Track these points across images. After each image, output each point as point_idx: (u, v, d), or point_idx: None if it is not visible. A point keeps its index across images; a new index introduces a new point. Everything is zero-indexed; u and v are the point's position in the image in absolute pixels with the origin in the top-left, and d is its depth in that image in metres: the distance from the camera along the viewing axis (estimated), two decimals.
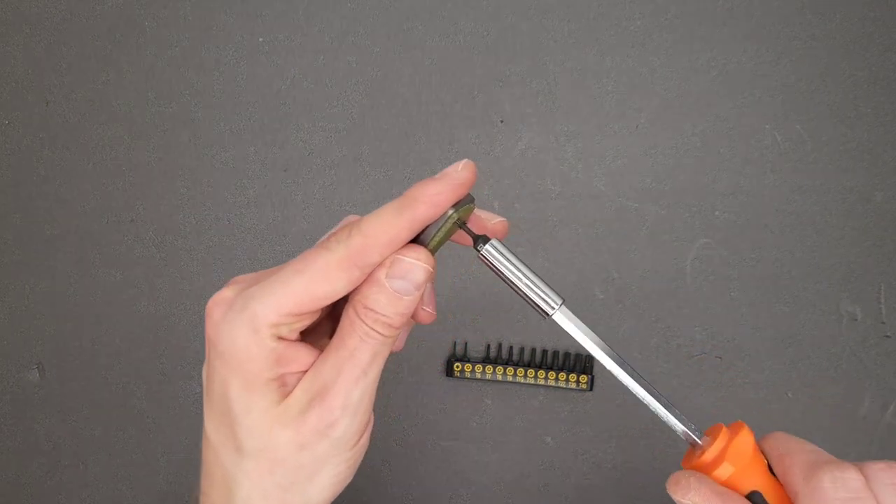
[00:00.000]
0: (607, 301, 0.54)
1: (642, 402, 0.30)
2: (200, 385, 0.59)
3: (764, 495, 0.29)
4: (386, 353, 0.29)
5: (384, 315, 0.27)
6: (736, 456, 0.28)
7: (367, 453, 0.51)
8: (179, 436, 0.56)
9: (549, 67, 0.55)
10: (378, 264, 0.27)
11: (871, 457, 0.52)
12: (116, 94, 0.57)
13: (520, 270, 0.30)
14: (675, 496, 0.30)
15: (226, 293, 0.29)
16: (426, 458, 0.55)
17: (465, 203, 0.28)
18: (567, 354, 0.54)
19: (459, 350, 0.55)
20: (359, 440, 0.29)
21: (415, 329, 0.55)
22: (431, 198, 0.27)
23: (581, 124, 0.55)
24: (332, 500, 0.30)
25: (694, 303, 0.53)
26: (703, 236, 0.53)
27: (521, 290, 0.30)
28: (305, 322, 0.28)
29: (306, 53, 0.56)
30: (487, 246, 0.30)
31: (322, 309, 0.28)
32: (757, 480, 0.29)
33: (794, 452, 0.29)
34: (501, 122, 0.55)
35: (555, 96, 0.55)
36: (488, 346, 0.54)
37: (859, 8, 0.54)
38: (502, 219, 0.31)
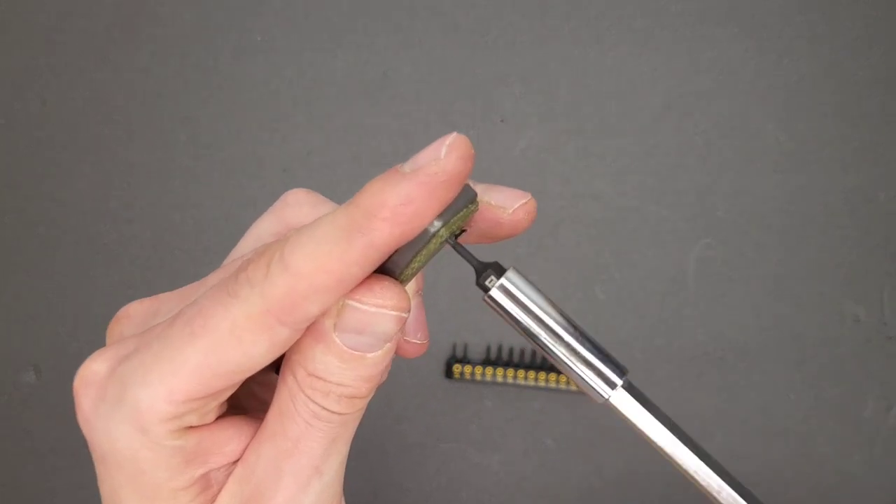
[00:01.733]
0: (608, 302, 0.54)
1: (702, 486, 0.22)
2: None
3: None
4: (349, 435, 0.19)
5: (340, 384, 0.18)
6: None
7: (365, 455, 0.50)
8: None
9: (549, 66, 0.55)
10: (314, 317, 0.17)
11: (874, 459, 0.52)
12: (114, 94, 0.57)
13: (554, 328, 0.19)
14: None
15: (95, 367, 0.19)
16: (426, 461, 0.54)
17: (459, 207, 0.18)
18: None
19: (459, 352, 0.54)
20: None
21: None
22: (396, 209, 0.16)
23: (582, 123, 0.54)
24: None
25: (696, 303, 0.53)
26: (705, 236, 0.53)
27: (562, 360, 0.20)
28: (221, 399, 0.19)
29: (305, 52, 0.56)
30: (500, 282, 0.19)
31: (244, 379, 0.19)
32: None
33: None
34: (502, 121, 0.55)
35: (556, 95, 0.55)
36: (488, 348, 0.54)
37: (862, 7, 0.54)
38: (525, 199, 0.21)
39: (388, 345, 0.18)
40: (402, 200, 0.16)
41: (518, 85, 0.55)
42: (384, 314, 0.18)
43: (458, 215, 0.18)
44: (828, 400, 0.53)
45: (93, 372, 0.19)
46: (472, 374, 0.53)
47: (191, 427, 0.18)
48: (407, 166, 0.17)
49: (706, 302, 0.53)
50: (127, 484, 0.19)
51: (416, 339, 0.23)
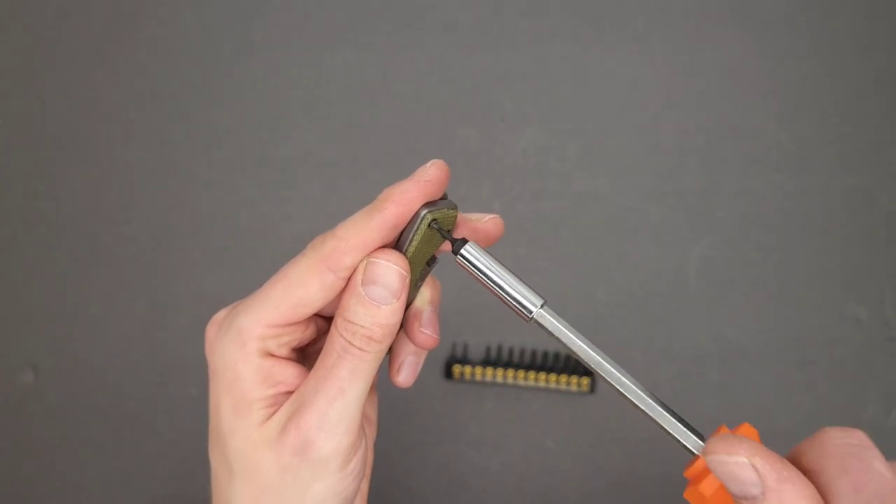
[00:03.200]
0: (609, 302, 0.53)
1: (638, 407, 0.28)
2: (195, 388, 0.59)
3: None
4: (368, 371, 0.27)
5: (362, 326, 0.27)
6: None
7: None
8: (175, 438, 0.56)
9: (550, 66, 0.55)
10: (352, 268, 0.27)
11: None
12: (112, 93, 0.57)
13: (497, 273, 0.28)
14: None
15: (220, 314, 0.30)
16: (425, 462, 0.54)
17: (442, 207, 0.27)
18: (568, 357, 0.53)
19: (459, 352, 0.54)
20: (344, 464, 0.27)
21: None
22: (398, 196, 0.26)
23: (583, 123, 0.54)
24: None
25: (697, 304, 0.53)
26: (707, 237, 0.53)
27: (499, 292, 0.28)
28: (294, 336, 0.28)
29: (304, 51, 0.56)
30: (463, 249, 0.27)
31: (313, 324, 0.29)
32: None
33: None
34: (502, 120, 0.55)
35: (556, 95, 0.54)
36: (488, 349, 0.54)
37: (865, 7, 0.53)
38: (494, 216, 0.29)
39: (396, 302, 0.27)
40: (401, 190, 0.26)
41: (518, 85, 0.55)
42: (391, 268, 0.27)
43: (442, 211, 0.27)
44: (829, 401, 0.52)
45: (218, 317, 0.30)
46: (472, 374, 0.53)
47: (272, 354, 0.28)
48: (409, 177, 0.27)
49: (707, 302, 0.53)
50: (225, 391, 0.28)
51: (427, 331, 0.30)
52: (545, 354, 0.54)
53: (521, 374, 0.52)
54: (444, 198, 0.28)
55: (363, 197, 0.56)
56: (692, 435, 0.27)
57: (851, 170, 0.53)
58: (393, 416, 0.54)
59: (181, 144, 0.56)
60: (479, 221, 0.29)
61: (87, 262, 0.56)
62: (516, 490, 0.54)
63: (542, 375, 0.52)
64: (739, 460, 0.23)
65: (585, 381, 0.52)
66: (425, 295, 0.31)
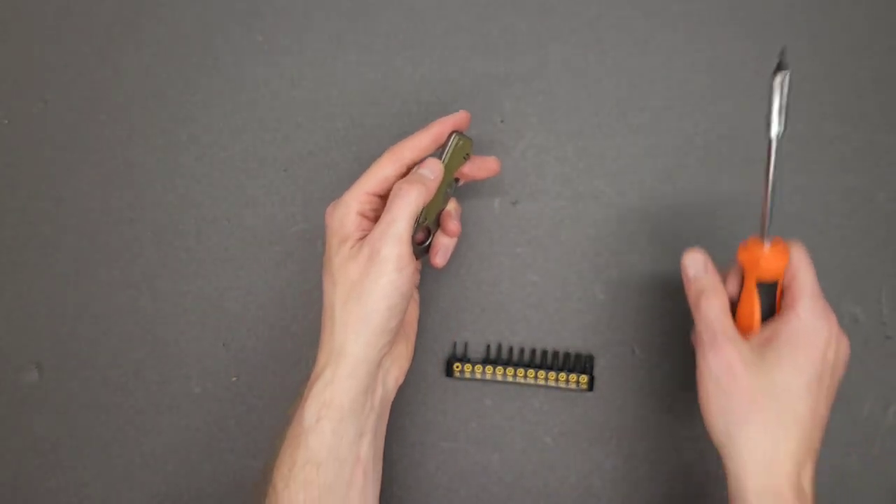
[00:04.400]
0: (608, 301, 0.54)
1: (767, 184, 0.41)
2: (199, 386, 0.60)
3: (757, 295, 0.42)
4: (411, 207, 0.42)
5: (409, 182, 0.43)
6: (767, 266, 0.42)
7: None
8: (178, 436, 0.56)
9: (549, 67, 0.55)
10: (410, 161, 0.45)
11: (872, 458, 0.52)
12: (115, 93, 0.57)
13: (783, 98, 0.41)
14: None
15: (334, 202, 0.45)
16: (426, 459, 0.54)
17: (465, 137, 0.46)
18: (567, 355, 0.54)
19: (459, 350, 0.54)
20: (398, 266, 0.41)
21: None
22: (440, 122, 0.46)
23: (582, 124, 0.54)
24: (388, 314, 0.42)
25: None
26: (705, 237, 0.53)
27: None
28: (377, 205, 0.45)
29: (306, 52, 0.56)
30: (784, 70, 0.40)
31: (383, 196, 0.45)
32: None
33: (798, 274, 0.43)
34: (501, 121, 0.55)
35: (555, 96, 0.55)
36: (488, 347, 0.54)
37: (862, 7, 0.54)
38: (494, 157, 0.49)
39: (433, 178, 0.45)
40: (440, 120, 0.46)
41: (518, 85, 0.55)
42: (434, 161, 0.46)
43: (465, 138, 0.47)
44: None
45: (332, 203, 0.46)
46: (472, 372, 0.53)
47: (363, 214, 0.44)
48: None
49: None
50: (335, 234, 0.44)
51: (455, 222, 0.47)
52: (545, 352, 0.54)
53: (520, 371, 0.53)
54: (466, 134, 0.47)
55: None
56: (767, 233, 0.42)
57: (849, 170, 0.53)
58: (394, 413, 0.55)
59: (184, 145, 0.57)
60: (484, 159, 0.49)
61: (91, 261, 0.57)
62: (516, 487, 0.54)
63: (542, 373, 0.53)
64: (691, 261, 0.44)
65: (584, 378, 0.53)
66: (452, 203, 0.48)
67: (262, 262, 0.56)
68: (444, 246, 0.47)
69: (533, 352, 0.54)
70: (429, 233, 0.47)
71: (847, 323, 0.53)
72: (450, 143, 0.46)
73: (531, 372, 0.53)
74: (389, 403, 0.46)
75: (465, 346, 0.54)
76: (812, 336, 0.40)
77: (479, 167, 0.48)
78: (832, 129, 0.53)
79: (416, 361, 0.55)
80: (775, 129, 0.39)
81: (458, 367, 0.53)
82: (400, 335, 0.47)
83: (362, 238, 0.43)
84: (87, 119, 0.57)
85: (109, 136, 0.57)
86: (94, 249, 0.57)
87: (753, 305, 0.42)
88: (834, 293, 0.53)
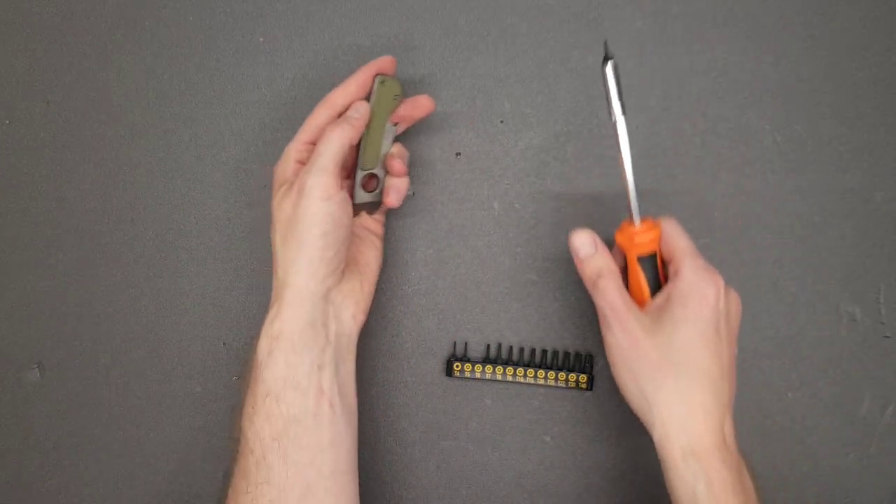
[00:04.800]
0: None
1: (624, 172, 0.44)
2: (200, 385, 0.60)
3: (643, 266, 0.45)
4: (337, 142, 0.45)
5: (335, 123, 0.46)
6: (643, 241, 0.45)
7: (364, 451, 0.51)
8: (179, 436, 0.56)
9: (549, 67, 0.55)
10: (341, 106, 0.48)
11: (870, 457, 0.52)
12: (117, 94, 0.57)
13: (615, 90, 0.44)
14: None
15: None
16: (426, 458, 0.55)
17: (391, 79, 0.49)
18: (567, 354, 0.54)
19: (459, 350, 0.55)
20: (325, 195, 0.43)
21: (415, 329, 0.55)
22: (363, 68, 0.48)
23: (581, 124, 0.55)
24: (323, 240, 0.44)
25: None
26: (703, 237, 0.53)
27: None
28: (312, 151, 0.47)
29: (306, 53, 0.56)
30: (611, 61, 0.44)
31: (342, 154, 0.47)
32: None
33: (674, 239, 0.45)
34: (501, 122, 0.55)
35: (555, 96, 0.55)
36: (488, 346, 0.54)
37: (860, 8, 0.54)
38: (425, 95, 0.51)
39: (359, 117, 0.47)
40: (367, 66, 0.49)
41: (517, 86, 0.55)
42: (361, 103, 0.48)
43: (389, 78, 0.49)
44: (824, 399, 0.53)
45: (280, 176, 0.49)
46: (472, 372, 0.53)
47: (301, 162, 0.48)
48: None
49: None
50: (276, 182, 0.48)
51: (399, 161, 0.50)
52: (544, 352, 0.54)
53: (520, 371, 0.53)
54: (392, 77, 0.49)
55: None
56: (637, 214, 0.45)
57: (847, 170, 0.53)
58: (393, 412, 0.55)
59: (185, 145, 0.57)
60: (415, 98, 0.50)
61: (92, 261, 0.57)
62: (515, 486, 0.54)
63: (542, 373, 0.53)
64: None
65: (584, 377, 0.53)
66: (396, 147, 0.50)
67: (262, 261, 0.56)
68: (394, 187, 0.49)
69: (533, 351, 0.54)
70: (377, 179, 0.50)
71: (845, 322, 0.53)
72: (374, 86, 0.48)
73: (531, 371, 0.53)
74: (353, 341, 0.47)
75: (465, 345, 0.55)
76: (698, 291, 0.42)
77: (413, 106, 0.50)
78: (830, 130, 0.54)
79: (416, 361, 0.55)
80: (616, 114, 0.43)
81: (458, 366, 0.53)
82: (352, 271, 0.48)
83: None
84: (88, 119, 0.57)
85: (111, 136, 0.57)
86: (94, 249, 0.57)
87: (640, 279, 0.45)
88: (832, 293, 0.53)
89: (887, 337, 0.53)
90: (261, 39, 0.57)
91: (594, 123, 0.55)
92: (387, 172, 0.50)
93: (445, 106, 0.55)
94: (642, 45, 0.55)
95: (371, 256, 0.50)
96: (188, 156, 0.57)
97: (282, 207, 0.45)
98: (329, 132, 0.45)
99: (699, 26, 0.54)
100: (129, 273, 0.57)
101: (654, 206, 0.54)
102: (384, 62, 0.48)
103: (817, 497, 0.53)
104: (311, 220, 0.43)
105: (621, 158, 0.44)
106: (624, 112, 0.43)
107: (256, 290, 0.56)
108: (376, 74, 0.48)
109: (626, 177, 0.44)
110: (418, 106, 0.50)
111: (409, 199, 0.55)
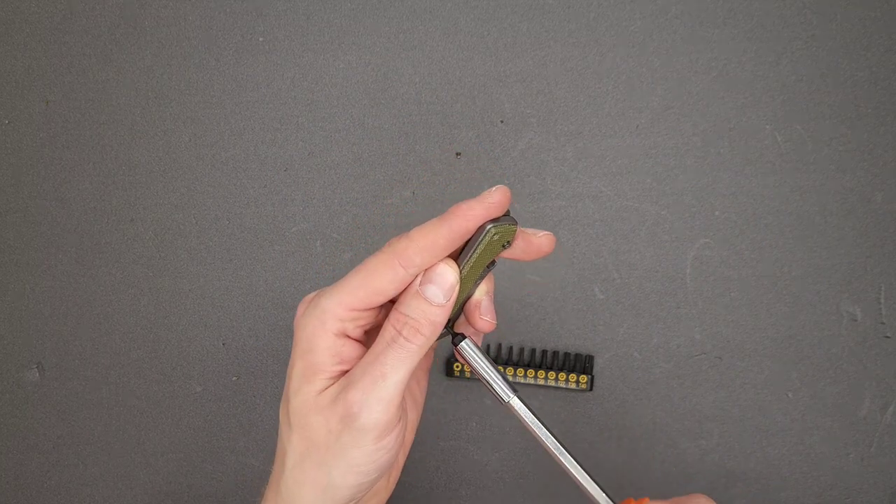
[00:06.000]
0: (607, 301, 0.54)
1: (574, 477, 0.37)
2: (200, 385, 0.60)
3: None
4: (410, 361, 0.32)
5: (413, 319, 0.32)
6: None
7: None
8: (179, 436, 0.56)
9: (549, 67, 0.55)
10: (420, 266, 0.32)
11: (870, 457, 0.52)
12: (116, 94, 0.57)
13: (486, 365, 0.35)
14: None
15: (310, 295, 0.35)
16: (425, 459, 0.55)
17: (504, 222, 0.32)
18: (567, 355, 0.54)
19: None
20: (379, 437, 0.32)
21: None
22: (465, 212, 0.31)
23: (581, 124, 0.55)
24: (357, 489, 0.34)
25: (693, 303, 0.53)
26: (703, 236, 0.53)
27: (486, 379, 0.36)
28: (367, 320, 0.34)
29: (306, 53, 0.56)
30: (463, 342, 0.35)
31: (383, 311, 0.34)
32: None
33: None
34: (501, 122, 0.55)
35: (555, 96, 0.55)
36: (488, 347, 0.54)
37: (860, 8, 0.54)
38: (548, 233, 0.34)
39: (444, 302, 0.32)
40: (467, 207, 0.31)
41: (517, 86, 0.55)
42: (448, 273, 0.32)
43: (504, 227, 0.32)
44: (824, 399, 0.53)
45: (307, 297, 0.35)
46: (472, 372, 0.53)
47: (347, 334, 0.33)
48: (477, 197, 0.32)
49: (704, 301, 0.53)
50: (299, 358, 0.33)
51: (487, 317, 0.35)
52: (544, 353, 0.54)
53: (520, 371, 0.53)
54: (507, 214, 0.33)
55: (365, 197, 0.56)
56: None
57: (847, 170, 0.53)
58: (405, 443, 0.55)
59: (185, 145, 0.57)
60: (535, 236, 0.34)
61: (92, 261, 0.57)
62: (516, 486, 0.54)
63: (542, 373, 0.53)
64: None
65: (584, 378, 0.53)
66: (482, 288, 0.35)
67: (262, 262, 0.56)
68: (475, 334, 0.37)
69: (533, 352, 0.54)
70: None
71: (845, 322, 0.53)
72: (481, 240, 0.32)
73: (531, 372, 0.53)
74: None
75: None
76: None
77: (525, 251, 0.34)
78: (830, 130, 0.54)
79: None
80: (507, 394, 0.36)
81: (458, 366, 0.53)
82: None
83: (336, 376, 0.33)
84: (88, 119, 0.57)
85: (111, 136, 0.57)
86: (94, 249, 0.57)
87: None
88: (832, 293, 0.53)
89: (888, 337, 0.53)
90: (261, 39, 0.57)
91: (594, 123, 0.55)
92: (461, 313, 0.36)
93: (445, 106, 0.55)
94: (642, 45, 0.55)
95: (409, 438, 0.40)
96: (187, 155, 0.57)
97: (309, 421, 0.33)
98: (404, 343, 0.32)
99: (699, 26, 0.54)
100: (129, 273, 0.57)
101: (654, 206, 0.54)
102: (497, 204, 0.32)
103: (817, 497, 0.53)
104: (351, 468, 0.33)
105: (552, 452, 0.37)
106: (515, 392, 0.36)
107: (256, 290, 0.56)
108: (489, 220, 0.32)
109: (568, 468, 0.37)
110: (532, 251, 0.34)
111: (408, 199, 0.55)
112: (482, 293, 0.35)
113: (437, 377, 0.55)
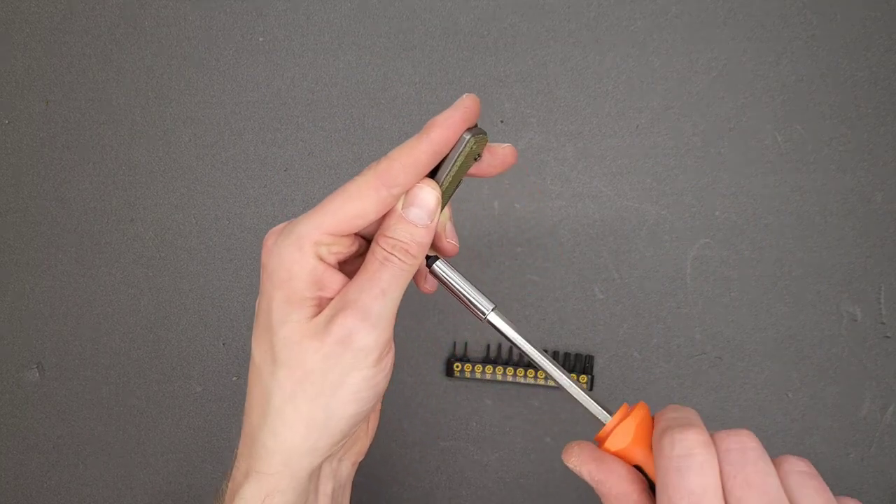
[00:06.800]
0: (607, 301, 0.54)
1: (562, 387, 0.35)
2: (200, 385, 0.60)
3: (643, 468, 0.32)
4: (404, 279, 0.31)
5: (401, 241, 0.31)
6: (624, 431, 0.32)
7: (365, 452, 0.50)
8: (179, 435, 0.56)
9: (549, 67, 0.55)
10: (405, 185, 0.31)
11: (871, 457, 0.52)
12: (116, 94, 0.57)
13: (461, 283, 0.35)
14: (565, 461, 0.33)
15: (278, 227, 0.33)
16: (426, 459, 0.55)
17: (478, 132, 0.32)
18: (567, 355, 0.54)
19: (459, 350, 0.55)
20: (379, 358, 0.31)
21: (415, 329, 0.55)
22: (444, 121, 0.31)
23: (581, 124, 0.55)
24: (354, 420, 0.32)
25: (694, 303, 0.53)
26: (703, 237, 0.53)
27: (463, 296, 0.35)
28: (343, 247, 0.32)
29: (306, 53, 0.56)
30: (436, 263, 0.34)
31: (357, 241, 0.33)
32: (640, 455, 0.32)
33: (661, 421, 0.31)
34: (501, 122, 0.55)
35: (555, 96, 0.55)
36: (488, 346, 0.54)
37: (860, 8, 0.54)
38: (508, 144, 0.34)
39: (429, 222, 0.31)
40: (446, 116, 0.31)
41: (517, 86, 0.55)
42: (430, 193, 0.31)
43: (479, 137, 0.32)
44: (824, 399, 0.53)
45: (277, 228, 0.32)
46: (472, 372, 0.53)
47: (323, 259, 0.31)
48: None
49: (704, 301, 0.53)
50: (278, 287, 0.31)
51: (452, 240, 0.34)
52: (545, 352, 0.54)
53: (520, 371, 0.53)
54: (476, 126, 0.32)
55: None
56: (603, 410, 0.34)
57: (847, 170, 0.53)
58: (393, 413, 0.55)
59: (185, 145, 0.57)
60: (499, 147, 0.34)
61: (92, 261, 0.57)
62: (516, 486, 0.54)
63: (542, 373, 0.53)
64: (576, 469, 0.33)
65: (584, 378, 0.53)
66: (445, 212, 0.34)
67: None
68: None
69: None
70: None
71: (846, 322, 0.53)
72: (461, 151, 0.32)
73: (531, 372, 0.53)
74: (348, 484, 0.38)
75: (465, 346, 0.54)
76: None
77: (491, 164, 0.34)
78: (830, 130, 0.54)
79: (416, 361, 0.55)
80: (485, 309, 0.35)
81: (458, 366, 0.53)
82: None
83: (319, 303, 0.31)
84: (88, 119, 0.57)
85: (111, 136, 0.57)
86: (94, 249, 0.57)
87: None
88: (832, 293, 0.53)
89: (888, 337, 0.53)
90: (261, 39, 0.57)
91: (594, 123, 0.55)
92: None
93: (445, 106, 0.55)
94: (642, 45, 0.55)
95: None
96: (187, 155, 0.57)
97: (302, 349, 0.31)
98: (400, 261, 0.31)
99: (699, 26, 0.54)
100: (129, 273, 0.57)
101: (654, 206, 0.54)
102: (469, 111, 0.31)
103: None
104: (352, 394, 0.31)
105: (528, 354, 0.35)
106: (493, 306, 0.35)
107: (256, 290, 0.56)
108: (465, 130, 0.32)
109: (538, 361, 0.35)
110: (499, 163, 0.34)
111: None
112: (445, 218, 0.34)
113: (438, 377, 0.55)
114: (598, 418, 0.34)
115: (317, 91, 0.56)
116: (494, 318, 0.35)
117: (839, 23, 0.54)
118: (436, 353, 0.55)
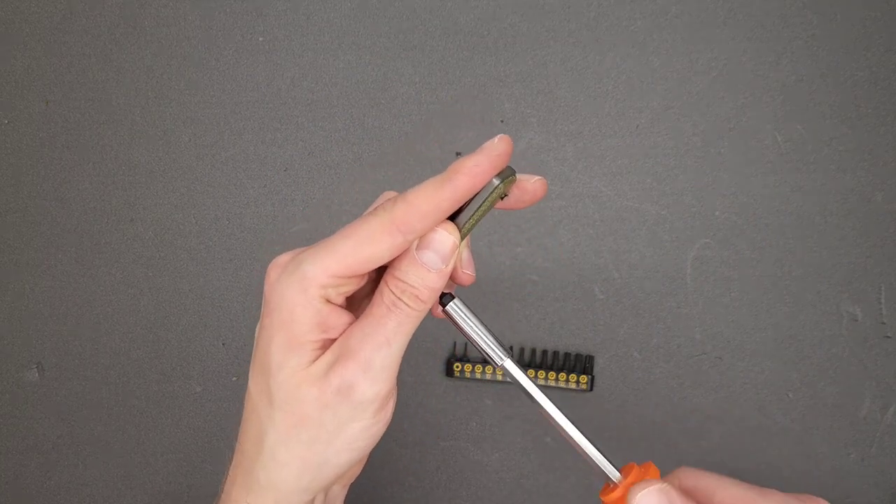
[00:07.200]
0: (607, 301, 0.54)
1: (571, 439, 0.34)
2: (200, 385, 0.60)
3: None
4: (412, 327, 0.30)
5: (412, 286, 0.29)
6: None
7: None
8: (179, 436, 0.56)
9: (549, 67, 0.55)
10: (422, 232, 0.29)
11: (871, 457, 0.52)
12: (116, 94, 0.57)
13: (477, 326, 0.33)
14: None
15: (283, 258, 0.31)
16: (425, 459, 0.55)
17: (507, 175, 0.30)
18: (567, 355, 0.54)
19: (459, 350, 0.55)
20: (379, 409, 0.31)
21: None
22: (471, 169, 0.28)
23: (581, 124, 0.55)
24: (348, 465, 0.32)
25: (694, 303, 0.53)
26: (704, 237, 0.53)
27: (477, 342, 0.34)
28: (351, 287, 0.30)
29: (306, 53, 0.56)
30: (451, 303, 0.33)
31: (367, 276, 0.31)
32: None
33: (722, 487, 0.31)
34: (501, 122, 0.55)
35: (555, 96, 0.55)
36: None
37: (860, 8, 0.54)
38: (540, 177, 0.32)
39: (444, 268, 0.29)
40: (473, 163, 0.28)
41: (517, 86, 0.55)
42: (447, 237, 0.29)
43: (507, 179, 0.29)
44: (825, 399, 0.53)
45: (281, 260, 0.31)
46: (472, 372, 0.53)
47: (330, 300, 0.30)
48: (477, 150, 0.28)
49: (704, 301, 0.53)
50: (280, 328, 0.29)
51: (468, 271, 0.33)
52: (544, 352, 0.54)
53: None
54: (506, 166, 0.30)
55: (365, 198, 0.56)
56: (613, 469, 0.33)
57: (847, 170, 0.53)
58: (394, 413, 0.55)
59: (185, 145, 0.57)
60: (528, 182, 0.31)
61: (92, 261, 0.57)
62: (516, 486, 0.54)
63: (542, 373, 0.53)
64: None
65: (584, 378, 0.53)
66: (462, 242, 0.32)
67: (262, 262, 0.56)
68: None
69: (533, 352, 0.54)
70: None
71: (846, 322, 0.53)
72: (487, 197, 0.29)
73: (531, 372, 0.53)
74: (339, 501, 0.38)
75: (465, 346, 0.54)
76: None
77: (520, 200, 0.32)
78: (830, 130, 0.54)
79: (416, 361, 0.55)
80: (500, 357, 0.34)
81: (458, 367, 0.53)
82: None
83: (321, 345, 0.30)
84: (88, 119, 0.57)
85: (111, 136, 0.57)
86: (94, 249, 0.57)
87: None
88: (832, 293, 0.53)
89: (888, 337, 0.53)
90: (260, 39, 0.57)
91: (594, 123, 0.55)
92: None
93: (445, 106, 0.55)
94: (642, 45, 0.55)
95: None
96: (187, 155, 0.57)
97: (299, 394, 0.30)
98: (406, 309, 0.30)
99: (699, 26, 0.54)
100: (129, 273, 0.57)
101: (654, 206, 0.54)
102: (505, 149, 0.29)
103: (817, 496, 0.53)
104: (347, 443, 0.31)
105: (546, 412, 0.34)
106: (509, 354, 0.34)
107: (256, 290, 0.56)
108: (498, 174, 0.29)
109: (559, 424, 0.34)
110: (528, 200, 0.32)
111: None
112: (463, 245, 0.32)
113: (438, 377, 0.55)
114: (609, 476, 0.34)
115: (317, 91, 0.56)
116: (510, 366, 0.34)
117: (839, 23, 0.54)
118: (436, 353, 0.55)
